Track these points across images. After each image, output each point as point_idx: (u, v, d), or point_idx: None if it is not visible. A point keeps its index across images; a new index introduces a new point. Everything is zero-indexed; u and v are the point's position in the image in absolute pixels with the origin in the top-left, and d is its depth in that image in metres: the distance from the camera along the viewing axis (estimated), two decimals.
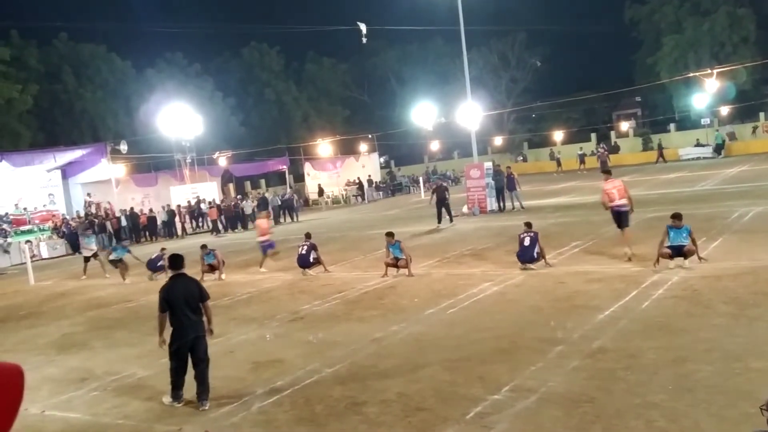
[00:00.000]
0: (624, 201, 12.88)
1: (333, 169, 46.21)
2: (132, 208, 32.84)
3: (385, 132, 49.07)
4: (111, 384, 8.65)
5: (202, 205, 33.76)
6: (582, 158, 45.12)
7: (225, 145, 44.96)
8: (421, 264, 14.73)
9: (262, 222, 18.47)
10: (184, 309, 7.23)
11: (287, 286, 14.47)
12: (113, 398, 8.06)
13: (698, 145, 44.67)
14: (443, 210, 22.60)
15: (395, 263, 13.87)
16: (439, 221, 22.46)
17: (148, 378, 8.70)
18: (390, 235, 14.20)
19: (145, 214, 32.80)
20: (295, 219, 34.09)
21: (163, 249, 18.68)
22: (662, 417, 5.65)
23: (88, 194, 34.76)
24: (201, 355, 7.34)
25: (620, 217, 12.86)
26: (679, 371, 6.64)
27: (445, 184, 23.88)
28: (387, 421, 6.30)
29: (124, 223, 31.69)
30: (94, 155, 34.37)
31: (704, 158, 41.90)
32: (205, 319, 7.50)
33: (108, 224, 31.02)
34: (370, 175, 46.23)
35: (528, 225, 13.58)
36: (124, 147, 33.73)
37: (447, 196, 22.91)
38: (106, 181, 33.97)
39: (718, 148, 42.59)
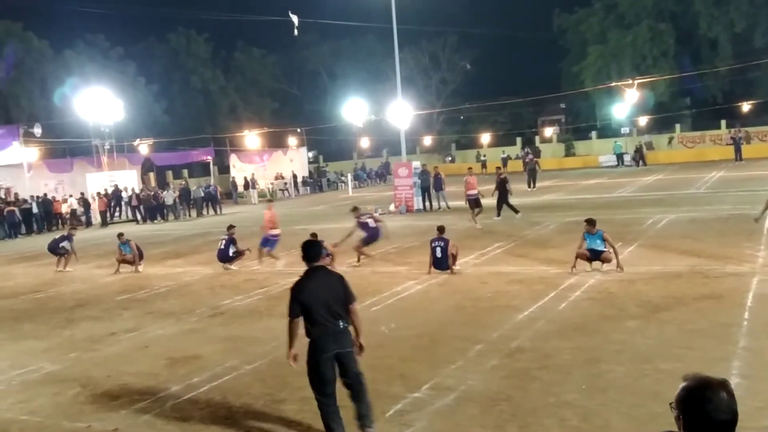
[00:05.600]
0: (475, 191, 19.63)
1: (260, 162, 45.51)
2: (45, 195, 31.41)
3: (315, 126, 48.71)
4: (16, 378, 8.22)
5: (124, 194, 32.68)
6: (505, 162, 46.21)
7: (146, 132, 43.50)
8: (346, 261, 14.69)
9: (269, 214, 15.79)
10: (324, 314, 5.48)
11: (208, 280, 14.14)
12: (18, 393, 7.65)
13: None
14: (502, 204, 20.67)
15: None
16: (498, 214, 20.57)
17: (56, 372, 8.32)
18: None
19: (59, 201, 31.47)
20: (218, 212, 33.42)
21: (72, 228, 17.96)
22: (575, 416, 5.80)
23: None
24: (351, 373, 5.60)
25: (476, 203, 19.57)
26: (592, 371, 6.83)
27: (505, 176, 21.35)
28: (306, 419, 6.21)
29: (35, 210, 30.25)
30: (6, 137, 32.54)
31: (608, 167, 43.41)
32: (351, 328, 5.69)
33: (16, 211, 29.46)
34: (294, 170, 45.86)
35: (440, 230, 13.01)
36: (38, 130, 32.13)
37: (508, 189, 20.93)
38: (17, 165, 32.29)
39: (620, 158, 44.08)
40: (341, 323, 5.53)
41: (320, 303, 5.47)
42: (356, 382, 5.62)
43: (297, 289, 5.59)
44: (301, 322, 5.58)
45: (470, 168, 21.52)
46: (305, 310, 5.50)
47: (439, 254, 12.68)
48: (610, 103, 49.68)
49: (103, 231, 28.18)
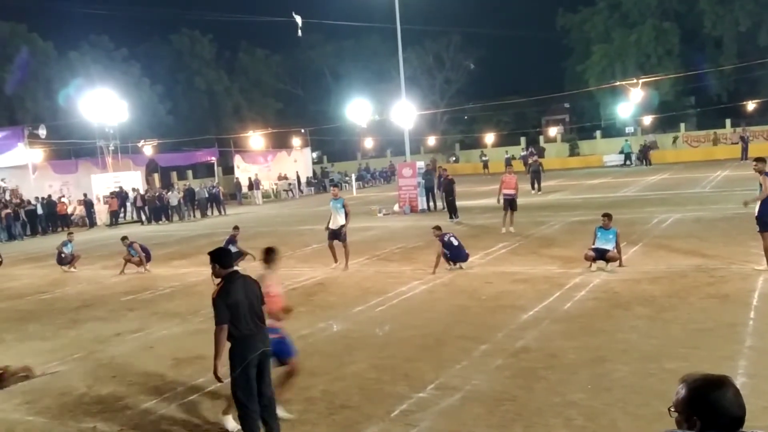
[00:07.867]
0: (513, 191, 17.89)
1: (264, 162, 45.54)
2: (50, 196, 31.51)
3: (319, 127, 48.70)
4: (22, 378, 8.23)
5: (131, 194, 32.78)
6: (508, 161, 46.10)
7: (151, 133, 43.54)
8: (351, 261, 14.68)
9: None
10: (248, 316, 5.58)
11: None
12: (24, 393, 7.67)
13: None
14: (454, 205, 21.46)
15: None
16: (451, 216, 21.30)
17: (62, 373, 8.33)
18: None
19: (64, 202, 31.57)
20: (222, 212, 33.48)
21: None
22: (580, 415, 5.78)
23: (2, 179, 33.12)
24: (269, 378, 5.74)
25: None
26: (597, 371, 6.82)
27: (452, 177, 22.06)
28: (311, 419, 6.23)
29: (40, 211, 30.33)
30: (10, 139, 32.68)
31: (614, 166, 43.36)
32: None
33: (21, 212, 29.53)
34: (298, 171, 45.92)
35: (439, 228, 13.00)
36: (42, 131, 32.25)
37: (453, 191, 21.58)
38: (22, 167, 32.39)
39: (627, 157, 43.84)
40: (262, 324, 5.70)
41: (245, 306, 5.57)
42: (269, 387, 5.72)
43: (224, 295, 5.58)
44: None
45: (510, 165, 21.81)
46: (233, 315, 5.52)
47: (456, 243, 12.73)
48: (615, 102, 49.55)
49: (108, 232, 28.25)
